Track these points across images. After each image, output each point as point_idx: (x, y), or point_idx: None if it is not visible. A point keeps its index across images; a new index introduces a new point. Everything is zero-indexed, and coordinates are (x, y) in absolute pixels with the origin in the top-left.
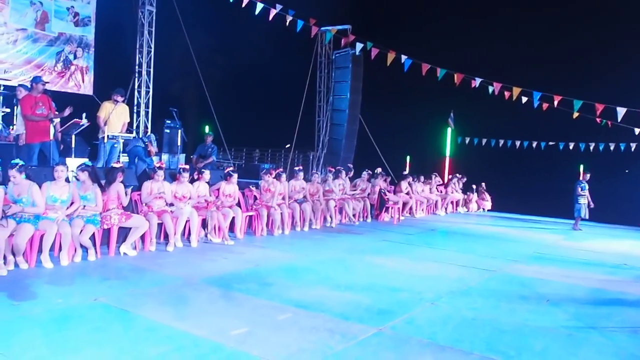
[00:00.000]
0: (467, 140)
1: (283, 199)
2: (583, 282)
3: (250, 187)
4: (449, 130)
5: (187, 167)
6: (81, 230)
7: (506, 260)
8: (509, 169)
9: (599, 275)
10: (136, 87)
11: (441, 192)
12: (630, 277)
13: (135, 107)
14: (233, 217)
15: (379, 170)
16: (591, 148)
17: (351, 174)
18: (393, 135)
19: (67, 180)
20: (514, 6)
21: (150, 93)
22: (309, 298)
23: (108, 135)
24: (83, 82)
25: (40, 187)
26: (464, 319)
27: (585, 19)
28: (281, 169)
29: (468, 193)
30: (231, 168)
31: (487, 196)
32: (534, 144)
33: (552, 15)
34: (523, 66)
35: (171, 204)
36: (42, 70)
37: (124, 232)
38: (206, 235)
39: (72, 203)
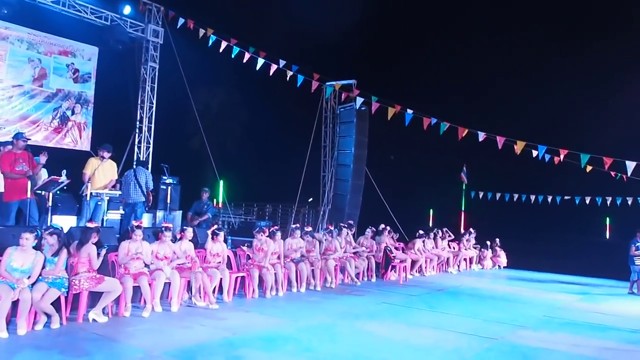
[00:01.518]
0: (481, 194)
1: (278, 258)
2: (593, 352)
3: (242, 246)
4: (463, 184)
5: (170, 225)
6: (43, 295)
7: (512, 325)
8: (525, 224)
9: (611, 343)
10: (136, 142)
11: (453, 248)
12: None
13: (134, 164)
14: (222, 279)
15: (384, 226)
16: (608, 202)
17: (353, 230)
18: (405, 190)
19: (36, 247)
20: (518, 61)
21: (151, 149)
22: None
23: (91, 193)
24: (80, 138)
25: (4, 250)
26: None
27: (587, 72)
28: (276, 227)
29: (482, 249)
30: (216, 227)
31: (502, 252)
32: (549, 198)
33: (556, 69)
34: (530, 119)
35: (152, 265)
36: (38, 126)
37: (99, 296)
38: (190, 299)
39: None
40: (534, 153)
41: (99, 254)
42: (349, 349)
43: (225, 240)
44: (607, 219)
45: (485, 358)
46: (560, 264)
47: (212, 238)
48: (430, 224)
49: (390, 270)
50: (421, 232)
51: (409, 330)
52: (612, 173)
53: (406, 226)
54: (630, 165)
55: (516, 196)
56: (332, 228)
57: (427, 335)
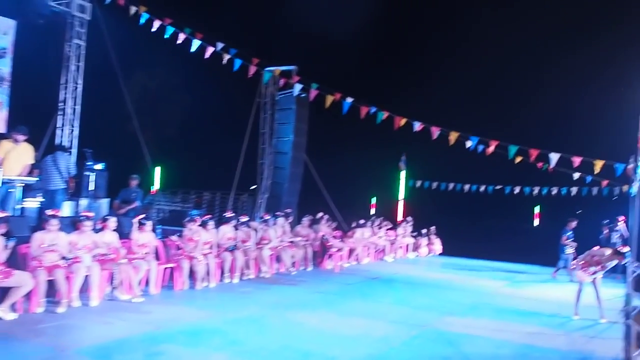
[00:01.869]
0: (418, 183)
1: (210, 248)
2: (513, 336)
3: (172, 236)
4: (402, 173)
5: (91, 214)
6: None
7: (440, 312)
8: (459, 212)
9: (531, 327)
10: (59, 125)
11: (390, 237)
12: (562, 330)
13: (55, 148)
14: (148, 270)
15: (322, 215)
16: (535, 192)
17: (290, 219)
18: (345, 179)
19: None
20: (453, 52)
21: (75, 132)
22: None
23: (3, 179)
24: None
25: None
26: None
27: (515, 65)
28: (209, 216)
29: (418, 237)
30: (143, 216)
31: (437, 240)
32: (482, 188)
33: (487, 61)
34: (464, 110)
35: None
36: None
37: (7, 292)
38: (112, 292)
39: None
40: (468, 144)
41: (6, 246)
42: (276, 340)
43: (154, 230)
44: (537, 207)
45: (411, 345)
46: (491, 250)
47: (139, 227)
48: (373, 212)
49: (327, 259)
50: (361, 221)
51: (340, 320)
52: (539, 164)
53: (346, 215)
54: (554, 157)
55: (451, 185)
56: (268, 217)
57: (357, 325)
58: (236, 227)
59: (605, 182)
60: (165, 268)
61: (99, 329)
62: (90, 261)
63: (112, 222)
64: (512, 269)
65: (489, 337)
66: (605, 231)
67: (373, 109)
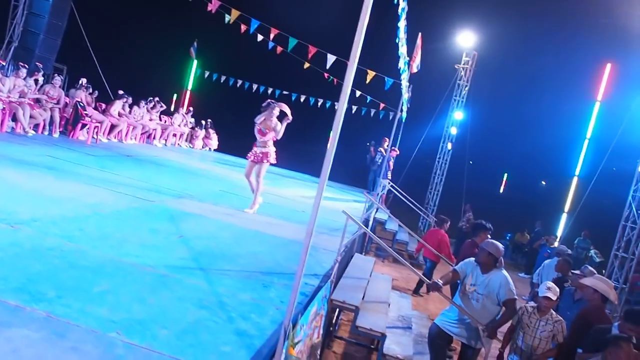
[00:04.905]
0: (207, 74)
1: None
2: (242, 222)
3: None
4: (194, 61)
5: None
6: None
7: (181, 194)
8: (244, 110)
9: (266, 218)
10: None
11: (164, 122)
12: (295, 223)
13: None
14: None
15: (84, 81)
16: (319, 104)
17: (39, 75)
18: (126, 53)
19: None
20: None
21: None
22: None
23: None
24: None
25: None
26: (34, 249)
27: None
28: None
29: (196, 128)
30: None
31: (214, 135)
32: (270, 90)
33: None
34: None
35: None
36: None
37: None
38: None
39: None
40: (259, 35)
41: None
42: None
43: None
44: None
45: (121, 214)
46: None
47: None
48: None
49: (80, 129)
50: (121, 92)
51: (55, 182)
52: (326, 75)
53: (116, 88)
54: (331, 58)
55: (240, 82)
56: (4, 63)
57: (72, 189)
58: None
59: (382, 105)
60: None
61: None
62: None
63: None
64: (287, 174)
65: (217, 219)
66: (372, 150)
67: None
